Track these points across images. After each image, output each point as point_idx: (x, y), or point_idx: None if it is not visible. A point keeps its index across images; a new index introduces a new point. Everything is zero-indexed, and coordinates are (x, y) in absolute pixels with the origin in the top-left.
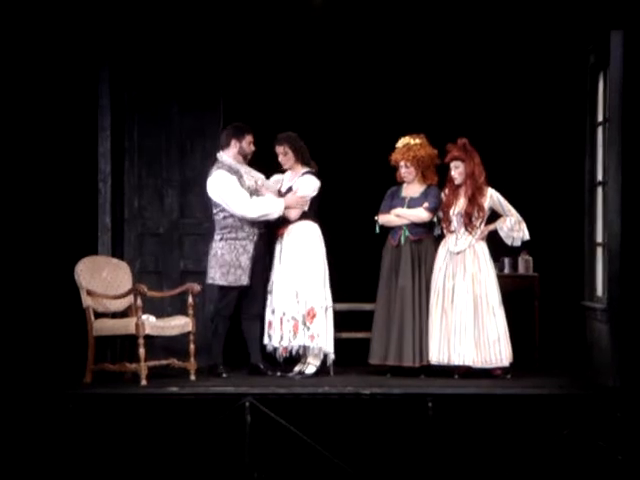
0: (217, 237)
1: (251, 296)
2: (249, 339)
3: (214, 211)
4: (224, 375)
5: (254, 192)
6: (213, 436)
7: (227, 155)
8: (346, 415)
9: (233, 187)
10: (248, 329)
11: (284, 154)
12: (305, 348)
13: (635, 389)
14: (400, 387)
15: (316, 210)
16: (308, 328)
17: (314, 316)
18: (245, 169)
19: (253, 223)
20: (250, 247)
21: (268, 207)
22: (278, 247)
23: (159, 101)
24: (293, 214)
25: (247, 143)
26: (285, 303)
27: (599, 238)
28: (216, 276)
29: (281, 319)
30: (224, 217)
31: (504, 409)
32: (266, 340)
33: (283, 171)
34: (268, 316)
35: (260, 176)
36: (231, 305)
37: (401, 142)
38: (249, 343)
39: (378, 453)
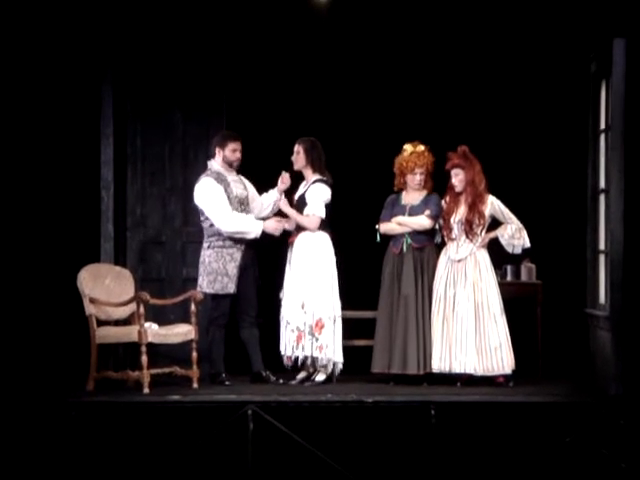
0: (205, 245)
1: (245, 304)
2: (249, 347)
3: (201, 218)
4: (227, 383)
5: (243, 201)
6: (215, 444)
7: (216, 163)
8: (349, 423)
9: (216, 197)
10: (247, 337)
11: (297, 153)
12: (313, 358)
13: (638, 397)
14: (403, 395)
15: (328, 220)
16: (317, 339)
17: (322, 327)
18: (233, 177)
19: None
20: (237, 255)
21: (245, 226)
22: (289, 255)
23: (162, 108)
24: (276, 233)
25: (230, 151)
26: (290, 313)
27: (602, 245)
28: (203, 284)
29: (286, 328)
30: (211, 225)
31: (507, 417)
32: (281, 347)
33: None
34: (281, 324)
35: (251, 188)
36: (226, 313)
37: (408, 151)
38: (249, 351)
39: (381, 461)
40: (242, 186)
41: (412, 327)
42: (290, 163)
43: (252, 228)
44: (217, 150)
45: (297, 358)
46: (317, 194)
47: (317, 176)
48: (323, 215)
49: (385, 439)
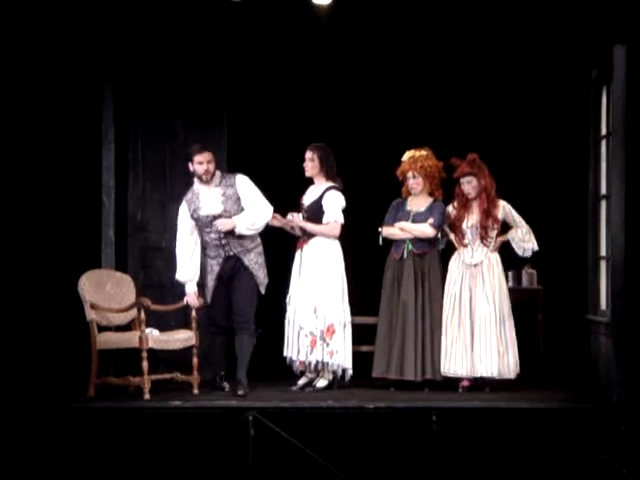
0: None
1: (235, 311)
2: (237, 353)
3: None
4: (226, 388)
5: (220, 216)
6: (216, 450)
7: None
8: (350, 429)
9: (179, 238)
10: (236, 343)
11: (311, 160)
12: (323, 363)
13: (639, 403)
14: (404, 401)
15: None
16: (327, 344)
17: (333, 332)
18: (207, 195)
19: (218, 246)
20: (216, 268)
21: (182, 280)
22: (297, 259)
23: (163, 115)
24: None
25: (197, 164)
26: (303, 318)
27: (603, 252)
28: None
29: (298, 333)
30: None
31: (508, 423)
32: (285, 352)
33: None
34: (285, 328)
35: (245, 196)
36: (216, 322)
37: (406, 155)
38: (237, 357)
39: (382, 467)
40: (221, 199)
41: (410, 333)
42: (294, 168)
43: (185, 287)
44: (189, 165)
45: (310, 363)
46: (334, 201)
47: (330, 183)
48: (343, 221)
49: (386, 445)
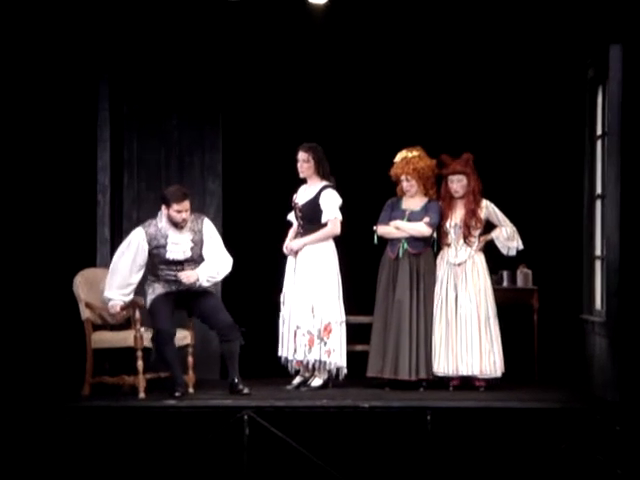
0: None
1: (217, 325)
2: (227, 358)
3: None
4: (176, 394)
5: (183, 262)
6: (211, 449)
7: (164, 216)
8: (345, 428)
9: (122, 256)
10: (226, 351)
11: (306, 161)
12: (320, 362)
13: (634, 403)
14: (399, 400)
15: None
16: (325, 343)
17: (330, 331)
18: (176, 239)
19: (172, 281)
20: (161, 290)
21: (107, 297)
22: (291, 259)
23: (158, 114)
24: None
25: (175, 212)
26: (300, 317)
27: (598, 251)
28: None
29: (295, 332)
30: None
31: (503, 422)
32: (280, 351)
33: None
34: (280, 328)
35: (209, 244)
36: (162, 330)
37: (399, 156)
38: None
39: (377, 466)
40: (190, 245)
41: (405, 333)
42: (289, 168)
43: (109, 303)
44: (163, 207)
45: (308, 362)
46: (332, 199)
47: (325, 182)
48: (341, 218)
49: (381, 444)
